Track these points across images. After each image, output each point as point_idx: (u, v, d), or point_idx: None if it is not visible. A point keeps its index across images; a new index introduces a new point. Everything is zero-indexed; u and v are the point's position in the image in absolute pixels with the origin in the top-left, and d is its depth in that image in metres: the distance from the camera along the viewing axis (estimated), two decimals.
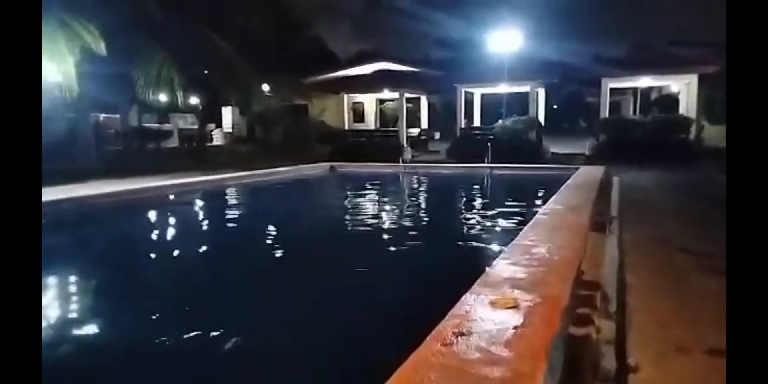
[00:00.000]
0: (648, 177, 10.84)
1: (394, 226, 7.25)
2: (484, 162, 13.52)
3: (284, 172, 12.60)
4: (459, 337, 2.08)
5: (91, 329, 3.58)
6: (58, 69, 9.01)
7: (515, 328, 2.20)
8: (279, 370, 2.63)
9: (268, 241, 6.58)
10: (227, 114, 25.20)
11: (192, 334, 3.16)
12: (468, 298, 2.60)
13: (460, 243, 6.01)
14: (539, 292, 2.70)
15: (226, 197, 10.03)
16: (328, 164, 14.25)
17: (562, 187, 7.77)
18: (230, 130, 25.35)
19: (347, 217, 8.10)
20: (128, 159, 13.83)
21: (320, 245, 5.90)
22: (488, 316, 2.33)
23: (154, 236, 6.95)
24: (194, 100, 19.23)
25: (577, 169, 11.35)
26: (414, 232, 6.73)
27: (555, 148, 17.85)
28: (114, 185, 8.98)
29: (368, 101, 24.07)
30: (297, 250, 5.78)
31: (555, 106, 35.50)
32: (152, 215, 8.22)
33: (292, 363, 2.72)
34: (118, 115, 18.11)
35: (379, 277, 4.54)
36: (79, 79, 9.30)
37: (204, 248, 6.31)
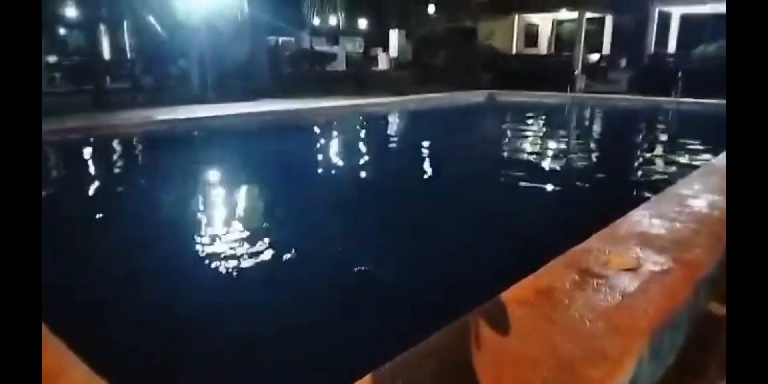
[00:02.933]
0: None
1: (533, 165, 6.56)
2: (671, 95, 11.58)
3: (437, 98, 12.23)
4: (543, 302, 1.73)
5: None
6: None
7: (622, 297, 1.76)
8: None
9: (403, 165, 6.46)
10: (393, 38, 24.93)
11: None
12: (575, 251, 2.17)
13: (601, 189, 5.26)
14: (675, 255, 2.16)
15: (370, 121, 10.03)
16: (487, 91, 13.48)
17: None
18: (395, 55, 25.17)
19: (487, 151, 7.56)
20: (296, 81, 14.57)
21: (440, 180, 5.63)
22: (591, 278, 1.91)
23: (297, 154, 7.22)
24: (363, 24, 19.24)
25: None
26: (555, 173, 6.07)
27: None
28: (274, 104, 9.52)
29: (543, 23, 21.86)
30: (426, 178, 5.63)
31: None
32: (294, 134, 8.52)
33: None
34: (293, 38, 18.99)
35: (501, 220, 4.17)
36: (249, 1, 9.73)
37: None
